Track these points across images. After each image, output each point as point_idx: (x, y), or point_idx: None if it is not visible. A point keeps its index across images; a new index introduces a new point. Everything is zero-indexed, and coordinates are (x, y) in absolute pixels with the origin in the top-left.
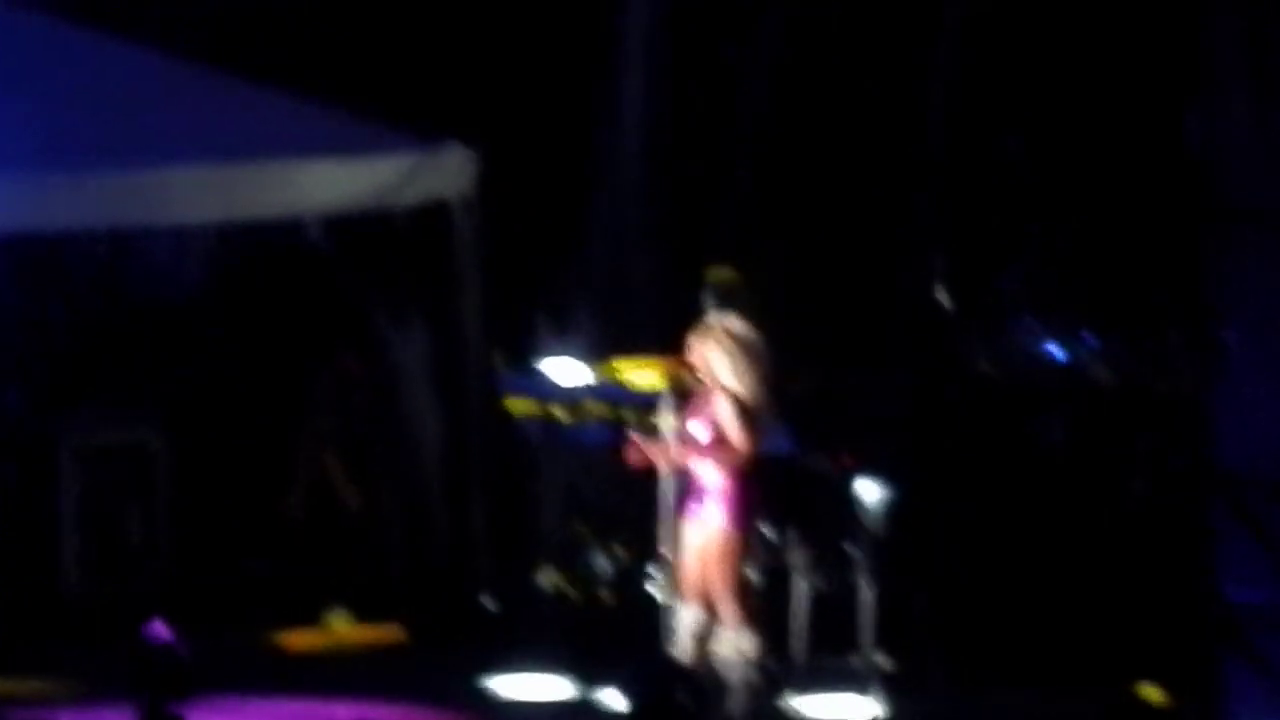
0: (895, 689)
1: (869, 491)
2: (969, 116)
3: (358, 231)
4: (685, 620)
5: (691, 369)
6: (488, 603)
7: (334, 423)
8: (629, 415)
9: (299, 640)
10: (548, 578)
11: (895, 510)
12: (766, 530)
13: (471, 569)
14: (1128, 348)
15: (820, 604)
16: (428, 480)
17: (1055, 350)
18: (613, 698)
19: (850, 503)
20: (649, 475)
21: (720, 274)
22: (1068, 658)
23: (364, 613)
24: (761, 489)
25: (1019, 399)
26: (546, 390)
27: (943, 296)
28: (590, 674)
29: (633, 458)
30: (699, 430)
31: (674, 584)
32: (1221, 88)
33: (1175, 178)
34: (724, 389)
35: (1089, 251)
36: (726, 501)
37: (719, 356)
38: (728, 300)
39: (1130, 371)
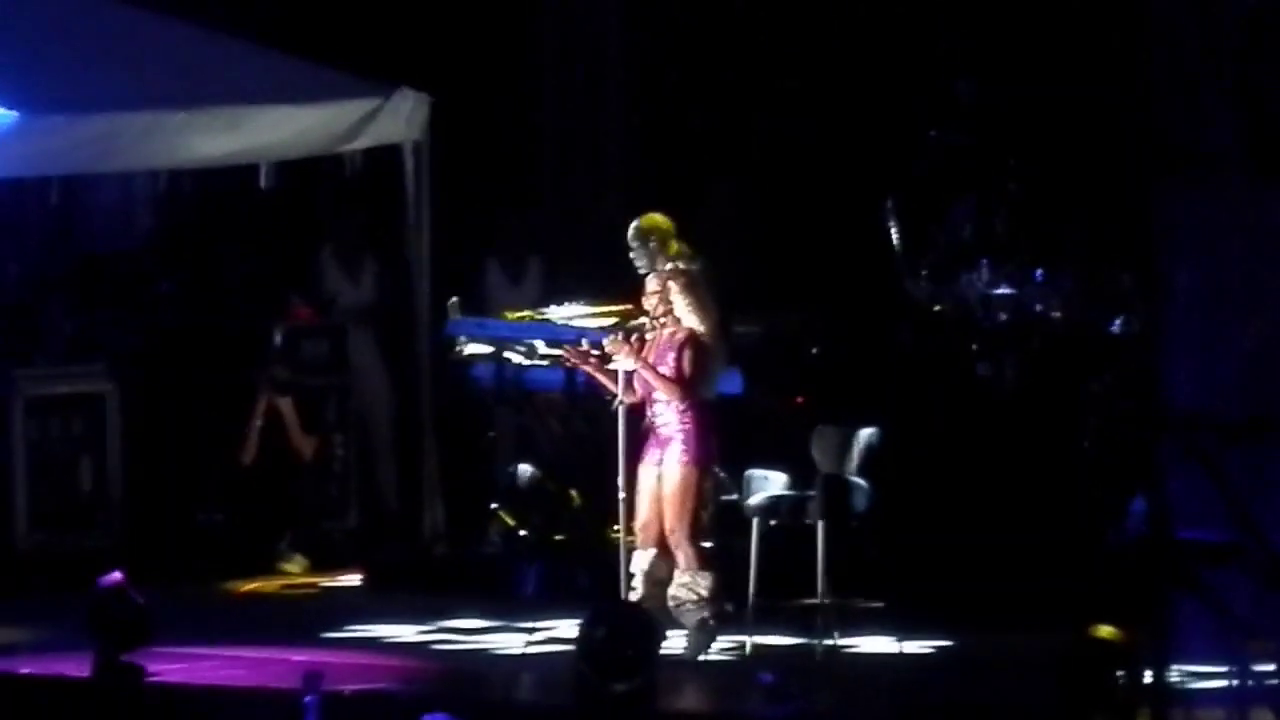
0: (849, 631)
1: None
2: (921, 60)
3: (310, 177)
4: (641, 563)
5: (647, 311)
6: (441, 548)
7: (286, 371)
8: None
9: (253, 588)
10: (501, 523)
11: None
12: (722, 472)
13: (424, 515)
14: (1079, 288)
15: (775, 545)
16: (380, 427)
17: (1006, 290)
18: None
19: (801, 444)
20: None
21: (651, 220)
22: (1021, 599)
23: (318, 561)
24: (718, 431)
25: (970, 339)
26: (498, 334)
27: (894, 237)
28: (546, 618)
29: (574, 358)
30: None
31: (629, 527)
32: (1172, 32)
33: (1125, 119)
34: (684, 329)
35: (1040, 192)
36: (685, 443)
37: (679, 298)
38: (656, 246)
39: (1081, 311)
